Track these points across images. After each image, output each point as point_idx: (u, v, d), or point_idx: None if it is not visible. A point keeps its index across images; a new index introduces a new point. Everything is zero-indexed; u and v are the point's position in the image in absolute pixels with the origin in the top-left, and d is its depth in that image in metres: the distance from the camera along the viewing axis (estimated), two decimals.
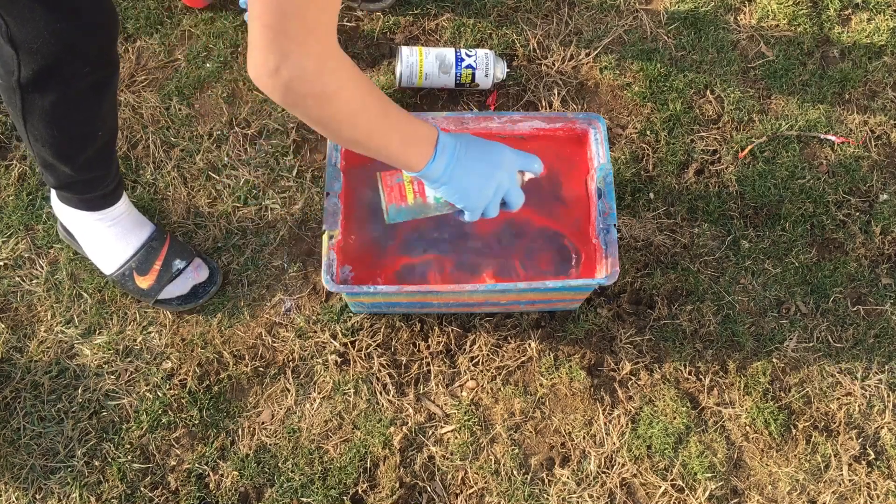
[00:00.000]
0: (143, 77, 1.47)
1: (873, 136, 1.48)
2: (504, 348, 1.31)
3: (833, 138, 1.44)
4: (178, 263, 1.28)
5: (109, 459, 1.23)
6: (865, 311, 1.35)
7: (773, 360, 1.32)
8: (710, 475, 1.24)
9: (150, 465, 1.23)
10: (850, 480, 1.25)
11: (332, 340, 1.30)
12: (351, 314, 1.32)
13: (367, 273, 1.19)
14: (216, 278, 1.31)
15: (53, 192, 1.25)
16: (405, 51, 1.41)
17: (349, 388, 1.28)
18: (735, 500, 1.24)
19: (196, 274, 1.29)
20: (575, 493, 1.23)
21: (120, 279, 1.28)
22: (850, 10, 1.58)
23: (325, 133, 0.86)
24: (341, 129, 0.84)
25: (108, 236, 1.26)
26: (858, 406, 1.30)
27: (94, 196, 1.21)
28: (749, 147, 1.43)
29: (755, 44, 1.55)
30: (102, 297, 1.32)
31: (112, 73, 1.06)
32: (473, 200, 0.97)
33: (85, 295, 1.32)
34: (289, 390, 1.28)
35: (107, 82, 1.06)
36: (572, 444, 1.26)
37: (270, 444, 1.25)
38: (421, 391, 1.28)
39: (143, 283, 1.27)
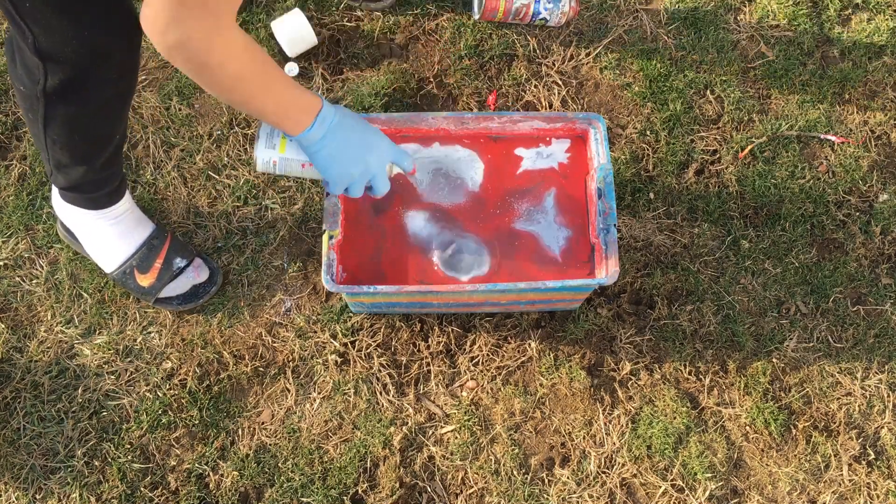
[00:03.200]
0: (143, 77, 1.47)
1: (873, 136, 1.48)
2: (504, 348, 1.31)
3: (833, 138, 1.44)
4: (179, 262, 1.28)
5: (109, 459, 1.23)
6: (865, 311, 1.35)
7: (773, 360, 1.32)
8: (710, 475, 1.24)
9: (150, 465, 1.23)
10: (850, 480, 1.25)
11: (332, 340, 1.30)
12: (351, 314, 1.32)
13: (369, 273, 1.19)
14: (216, 279, 1.31)
15: (56, 193, 1.25)
16: None
17: (349, 388, 1.27)
18: (735, 500, 1.24)
19: (196, 274, 1.29)
20: (575, 493, 1.23)
21: (121, 277, 1.28)
22: (850, 10, 1.58)
23: (203, 88, 0.91)
24: (219, 94, 0.91)
25: (109, 234, 1.26)
26: (858, 406, 1.30)
27: (100, 194, 1.22)
28: (749, 147, 1.43)
29: (755, 44, 1.55)
30: (102, 297, 1.32)
31: (136, 77, 1.07)
32: (337, 174, 1.02)
33: (85, 295, 1.32)
34: (289, 390, 1.28)
35: (131, 88, 1.07)
36: (572, 444, 1.26)
37: (270, 444, 1.25)
38: (421, 391, 1.28)
39: (144, 281, 1.27)
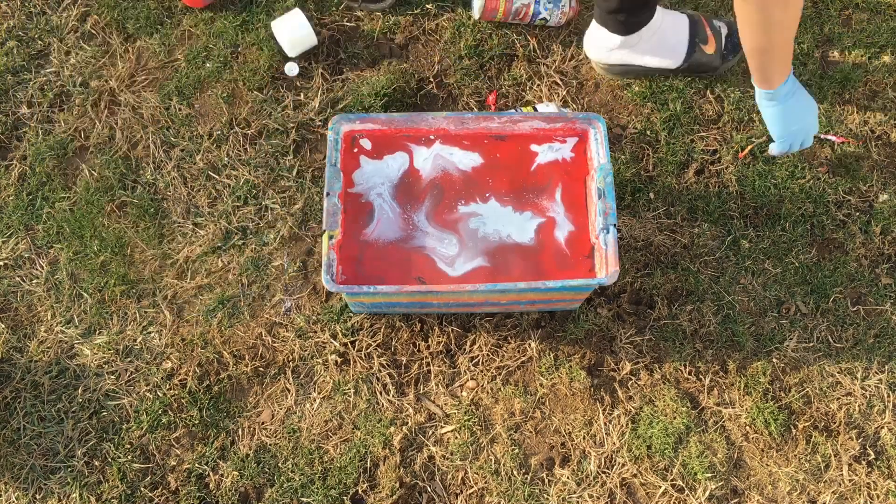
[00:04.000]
0: (143, 77, 1.47)
1: (873, 136, 1.48)
2: (504, 348, 1.31)
3: (833, 138, 1.44)
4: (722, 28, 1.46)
5: (109, 459, 1.23)
6: (865, 311, 1.35)
7: (773, 360, 1.32)
8: (710, 475, 1.24)
9: (150, 465, 1.23)
10: (850, 480, 1.25)
11: (332, 340, 1.30)
12: (351, 314, 1.32)
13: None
14: None
15: (599, 35, 1.39)
16: None
17: (349, 388, 1.28)
18: (735, 500, 1.24)
19: None
20: (575, 493, 1.23)
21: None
22: (850, 10, 1.58)
23: (755, 13, 1.03)
24: (782, 19, 1.03)
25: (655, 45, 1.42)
26: (858, 406, 1.30)
27: (636, 19, 1.35)
28: (749, 147, 1.43)
29: None
30: (102, 297, 1.32)
31: None
32: (781, 129, 1.23)
33: (85, 295, 1.32)
34: (289, 390, 1.28)
35: None
36: (572, 444, 1.26)
37: (270, 444, 1.25)
38: (421, 391, 1.28)
39: (709, 49, 1.44)
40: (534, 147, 1.26)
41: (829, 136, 1.37)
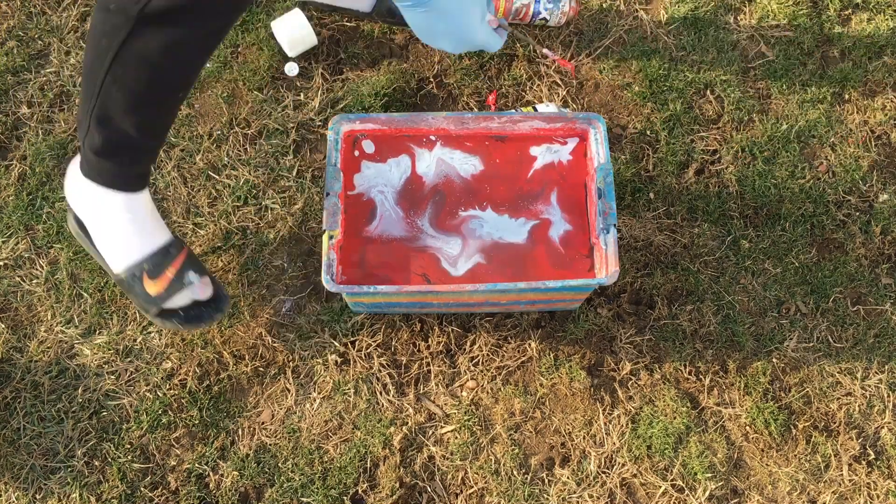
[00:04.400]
0: None
1: (873, 136, 1.48)
2: (504, 348, 1.31)
3: (549, 53, 1.42)
4: (192, 276, 1.19)
5: (109, 459, 1.23)
6: (865, 311, 1.35)
7: (773, 360, 1.32)
8: (710, 475, 1.24)
9: (150, 465, 1.23)
10: (850, 480, 1.25)
11: (332, 340, 1.30)
12: (351, 314, 1.32)
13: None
14: (222, 305, 1.22)
15: (75, 171, 1.14)
16: None
17: (349, 388, 1.28)
18: (735, 500, 1.24)
19: (202, 290, 1.20)
20: (575, 493, 1.23)
21: (128, 279, 1.18)
22: (850, 10, 1.58)
23: None
24: None
25: (126, 229, 1.16)
26: (858, 406, 1.30)
27: (133, 171, 1.12)
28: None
29: (755, 44, 1.55)
30: (102, 297, 1.32)
31: (240, 16, 0.98)
32: (457, 22, 0.95)
33: (85, 295, 1.32)
34: (289, 390, 1.28)
35: (228, 28, 0.97)
36: (572, 444, 1.26)
37: (270, 444, 1.25)
38: (421, 391, 1.28)
39: (152, 288, 1.17)
40: (533, 150, 1.26)
41: (545, 51, 1.27)
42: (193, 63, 1.00)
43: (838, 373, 1.31)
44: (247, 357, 1.29)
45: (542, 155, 1.25)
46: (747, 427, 1.28)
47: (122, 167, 1.11)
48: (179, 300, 1.19)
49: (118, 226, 1.16)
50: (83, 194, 1.15)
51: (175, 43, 0.94)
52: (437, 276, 1.19)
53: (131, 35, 0.91)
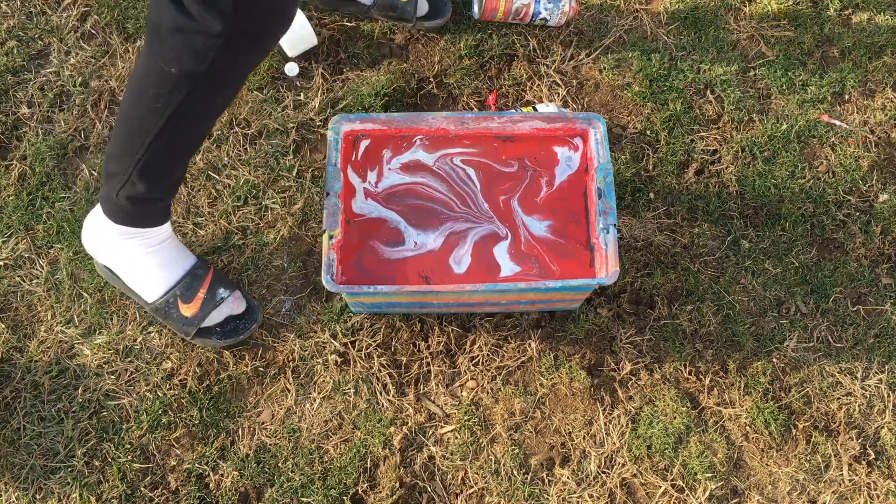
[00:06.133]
0: None
1: (873, 136, 1.48)
2: (504, 348, 1.31)
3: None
4: (223, 292, 1.25)
5: (109, 459, 1.23)
6: (865, 311, 1.35)
7: (773, 360, 1.32)
8: (710, 475, 1.24)
9: (150, 465, 1.23)
10: (850, 480, 1.25)
11: (332, 340, 1.30)
12: (351, 314, 1.32)
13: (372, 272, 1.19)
14: (256, 315, 1.28)
15: (98, 220, 1.19)
16: None
17: (349, 388, 1.28)
18: (735, 500, 1.24)
19: (236, 305, 1.26)
20: (575, 493, 1.23)
21: (163, 307, 1.24)
22: (850, 10, 1.58)
23: None
24: None
25: (151, 263, 1.22)
26: (858, 406, 1.30)
27: (163, 208, 1.17)
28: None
29: (755, 44, 1.55)
30: (102, 297, 1.32)
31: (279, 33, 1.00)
32: None
33: (85, 295, 1.32)
34: (289, 390, 1.28)
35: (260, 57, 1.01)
36: (572, 444, 1.26)
37: (270, 444, 1.25)
38: (421, 391, 1.28)
39: (188, 311, 1.24)
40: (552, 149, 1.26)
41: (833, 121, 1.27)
42: (231, 94, 1.04)
43: (838, 373, 1.31)
44: (247, 357, 1.29)
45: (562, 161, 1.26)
46: (747, 427, 1.28)
47: (155, 206, 1.16)
48: (215, 317, 1.25)
49: (147, 260, 1.22)
50: (110, 241, 1.20)
51: (228, 90, 0.98)
52: (441, 274, 1.19)
53: (194, 91, 0.94)
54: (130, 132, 1.02)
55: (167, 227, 1.22)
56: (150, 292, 1.25)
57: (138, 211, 1.15)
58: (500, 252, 1.21)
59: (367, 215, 1.22)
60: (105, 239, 1.21)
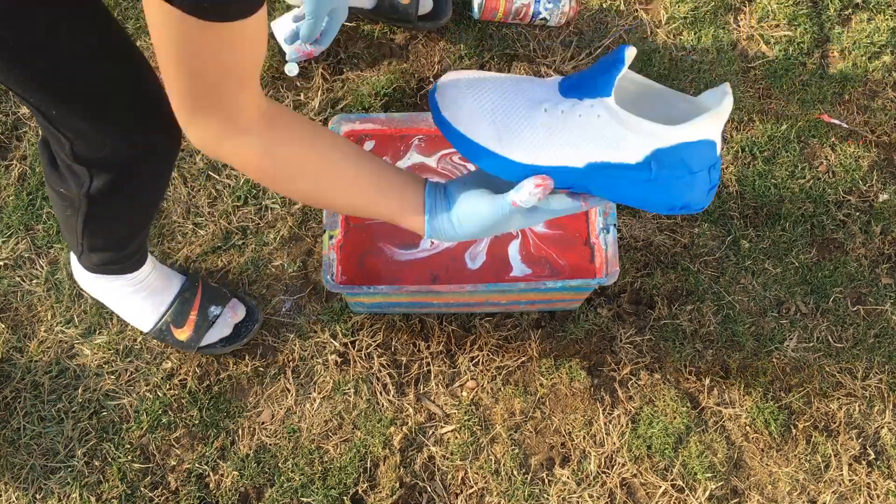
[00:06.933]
0: None
1: (873, 136, 1.48)
2: (504, 348, 1.31)
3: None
4: (214, 310, 1.25)
5: (109, 459, 1.23)
6: (865, 311, 1.35)
7: (773, 360, 1.32)
8: (710, 475, 1.24)
9: (150, 465, 1.23)
10: (850, 480, 1.25)
11: (332, 340, 1.30)
12: (351, 314, 1.32)
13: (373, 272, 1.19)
14: (256, 315, 1.28)
15: (78, 264, 1.21)
16: None
17: (349, 388, 1.28)
18: (735, 500, 1.24)
19: (234, 314, 1.27)
20: (575, 493, 1.23)
21: (158, 335, 1.26)
22: (850, 10, 1.58)
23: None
24: (276, 188, 0.79)
25: (138, 298, 1.23)
26: (858, 406, 1.30)
27: (134, 258, 1.18)
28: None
29: (755, 44, 1.55)
30: None
31: (176, 158, 0.99)
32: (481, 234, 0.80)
33: (85, 295, 1.32)
34: (289, 390, 1.28)
35: (172, 168, 1.01)
36: (572, 444, 1.26)
37: (270, 444, 1.25)
38: (421, 391, 1.28)
39: (182, 335, 1.25)
40: None
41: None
42: (160, 195, 1.05)
43: (838, 373, 1.31)
44: (247, 357, 1.29)
45: None
46: (747, 427, 1.28)
47: (123, 264, 1.17)
48: (213, 335, 1.26)
49: (132, 298, 1.23)
50: (91, 283, 1.23)
51: (133, 201, 0.99)
52: (454, 271, 1.19)
53: (91, 208, 0.95)
54: (62, 223, 1.05)
55: (146, 265, 1.22)
56: (142, 323, 1.26)
57: (108, 268, 1.17)
58: (513, 252, 1.21)
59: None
60: (86, 282, 1.23)
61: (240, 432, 1.25)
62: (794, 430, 1.27)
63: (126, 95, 0.85)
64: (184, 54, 0.62)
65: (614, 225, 1.14)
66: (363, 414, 1.26)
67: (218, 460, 1.24)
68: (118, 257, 1.14)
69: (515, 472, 1.23)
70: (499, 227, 0.76)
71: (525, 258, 1.21)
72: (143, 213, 1.06)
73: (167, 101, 0.71)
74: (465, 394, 1.28)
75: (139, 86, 0.86)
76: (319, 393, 1.28)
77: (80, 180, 0.91)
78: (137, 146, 0.89)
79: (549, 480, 1.24)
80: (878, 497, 1.24)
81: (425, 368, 1.29)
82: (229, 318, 1.26)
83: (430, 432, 1.26)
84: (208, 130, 0.70)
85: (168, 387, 1.27)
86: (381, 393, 1.27)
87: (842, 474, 1.25)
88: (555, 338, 1.31)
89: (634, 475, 1.24)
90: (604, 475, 1.24)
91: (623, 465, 1.25)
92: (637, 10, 1.57)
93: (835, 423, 1.28)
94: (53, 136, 0.86)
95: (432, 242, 1.21)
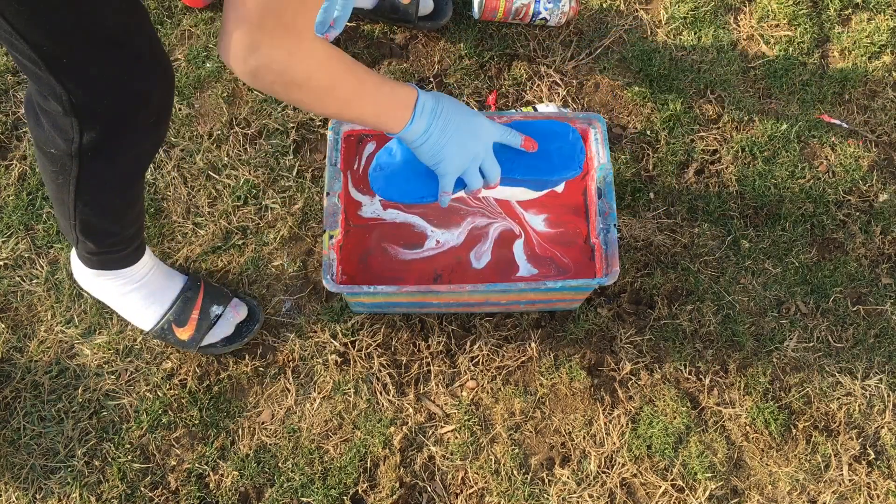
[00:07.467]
0: None
1: (873, 136, 1.48)
2: (504, 348, 1.31)
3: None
4: (216, 309, 1.25)
5: (109, 459, 1.23)
6: (865, 311, 1.35)
7: (773, 360, 1.32)
8: (710, 475, 1.24)
9: (150, 465, 1.23)
10: (850, 480, 1.25)
11: (332, 340, 1.30)
12: (351, 314, 1.32)
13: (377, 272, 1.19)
14: (257, 315, 1.29)
15: (78, 263, 1.21)
16: None
17: (349, 388, 1.28)
18: (735, 500, 1.24)
19: (236, 313, 1.27)
20: (575, 493, 1.23)
21: (160, 334, 1.26)
22: (850, 10, 1.58)
23: (296, 106, 0.88)
24: (312, 108, 0.90)
25: (139, 297, 1.23)
26: (858, 406, 1.30)
27: (131, 250, 1.17)
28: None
29: (755, 44, 1.55)
30: None
31: (169, 120, 1.01)
32: (448, 164, 0.97)
33: (85, 295, 1.32)
34: (289, 390, 1.28)
35: (165, 131, 1.01)
36: (572, 444, 1.26)
37: (270, 444, 1.25)
38: (421, 391, 1.28)
39: (184, 334, 1.25)
40: None
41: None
42: (147, 163, 1.05)
43: (838, 373, 1.31)
44: (247, 357, 1.29)
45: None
46: (747, 427, 1.28)
47: (120, 253, 1.17)
48: (216, 334, 1.26)
49: (132, 296, 1.23)
50: (91, 282, 1.22)
51: (123, 161, 0.98)
52: (460, 270, 1.19)
53: (82, 168, 0.95)
54: (55, 200, 1.05)
55: (145, 260, 1.21)
56: (143, 322, 1.26)
57: (104, 259, 1.17)
58: (518, 251, 1.21)
59: (387, 220, 1.22)
60: (86, 280, 1.23)
61: (240, 432, 1.25)
62: (794, 430, 1.27)
63: (137, 44, 0.87)
64: None
65: (614, 225, 1.14)
66: (363, 414, 1.26)
67: (218, 460, 1.24)
68: (113, 242, 1.13)
69: (515, 472, 1.23)
70: (473, 128, 0.96)
71: (531, 258, 1.21)
72: (130, 181, 1.04)
73: (166, 56, 0.85)
74: (465, 394, 1.28)
75: (148, 34, 0.89)
76: (319, 393, 1.28)
77: (68, 135, 0.91)
78: (138, 95, 0.90)
79: (549, 480, 1.24)
80: (878, 497, 1.24)
81: (425, 368, 1.29)
82: (231, 317, 1.26)
83: (430, 432, 1.26)
84: (280, 48, 0.77)
85: (168, 387, 1.27)
86: (381, 393, 1.27)
87: (842, 474, 1.25)
88: (555, 338, 1.31)
89: (634, 475, 1.24)
90: (604, 475, 1.24)
91: (623, 465, 1.25)
92: (637, 10, 1.57)
93: (835, 423, 1.28)
94: (49, 88, 0.85)
95: (437, 241, 1.21)
